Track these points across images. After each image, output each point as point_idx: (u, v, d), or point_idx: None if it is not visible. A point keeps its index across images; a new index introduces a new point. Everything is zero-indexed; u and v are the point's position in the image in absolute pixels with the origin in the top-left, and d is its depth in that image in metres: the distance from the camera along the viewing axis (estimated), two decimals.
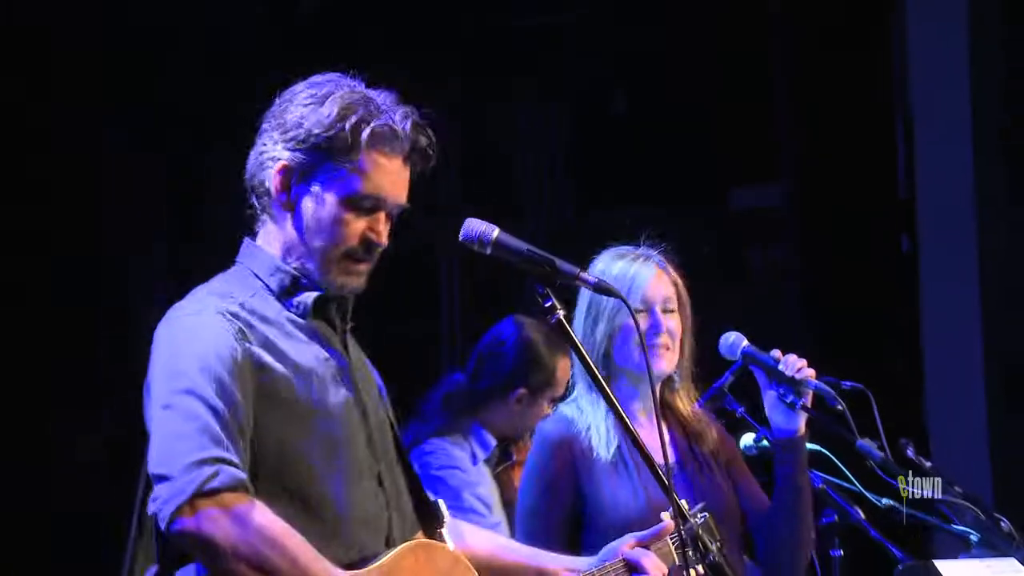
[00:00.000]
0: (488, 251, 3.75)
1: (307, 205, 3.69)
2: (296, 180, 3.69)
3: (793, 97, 9.10)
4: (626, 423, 3.81)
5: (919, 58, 8.55)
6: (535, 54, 9.45)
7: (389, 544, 3.68)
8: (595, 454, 4.70)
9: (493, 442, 6.21)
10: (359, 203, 3.69)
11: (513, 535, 5.77)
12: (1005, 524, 5.27)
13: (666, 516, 4.06)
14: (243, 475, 3.43)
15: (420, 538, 3.80)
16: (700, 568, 3.86)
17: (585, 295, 4.78)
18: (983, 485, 7.86)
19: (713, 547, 3.63)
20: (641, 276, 4.82)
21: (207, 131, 8.26)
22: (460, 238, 3.77)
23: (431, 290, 9.54)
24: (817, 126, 8.94)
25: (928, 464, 5.54)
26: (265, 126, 3.74)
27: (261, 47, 8.69)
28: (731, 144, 9.14)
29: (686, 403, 4.98)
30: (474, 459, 6.17)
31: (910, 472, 5.39)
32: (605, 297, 4.62)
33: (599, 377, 3.85)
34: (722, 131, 9.10)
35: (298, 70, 3.87)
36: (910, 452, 5.53)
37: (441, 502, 3.90)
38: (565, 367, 5.95)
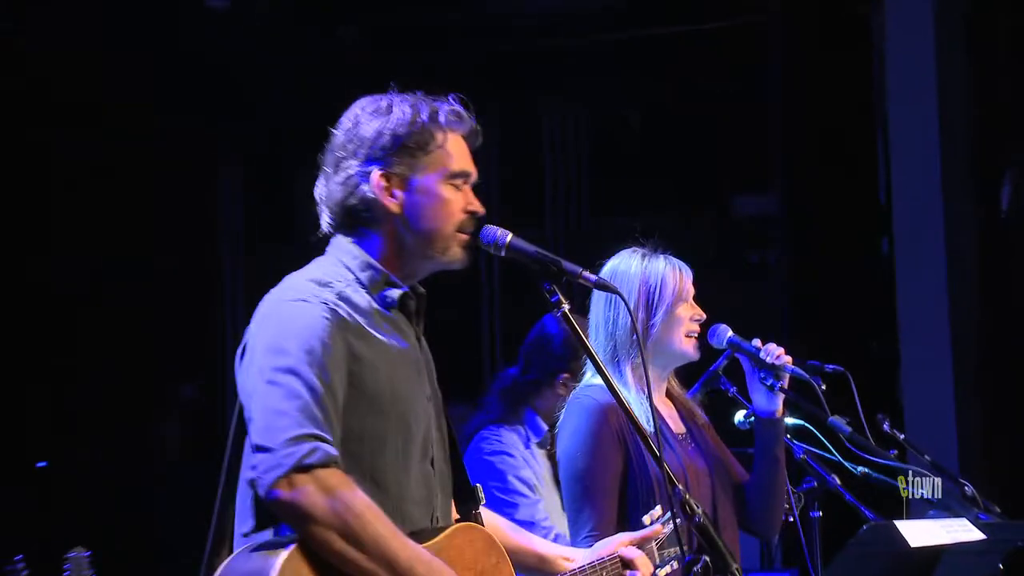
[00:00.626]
0: (503, 253, 3.77)
1: (413, 199, 3.68)
2: (397, 182, 3.67)
3: (787, 119, 9.16)
4: (625, 405, 3.81)
5: (895, 87, 8.53)
6: (557, 75, 9.57)
7: (433, 521, 3.68)
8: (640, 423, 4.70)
9: (545, 427, 6.10)
10: (454, 180, 3.71)
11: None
12: (968, 489, 5.39)
13: (646, 519, 4.13)
14: (336, 453, 3.39)
15: (455, 516, 3.81)
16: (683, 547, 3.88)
17: (628, 289, 4.74)
18: (950, 455, 7.89)
19: (699, 510, 3.53)
20: (679, 274, 4.86)
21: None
22: (477, 243, 3.78)
23: (473, 283, 9.74)
24: (807, 144, 9.01)
25: (901, 436, 5.66)
26: (340, 155, 3.70)
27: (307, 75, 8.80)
28: (732, 158, 9.23)
29: (677, 385, 5.03)
30: (527, 443, 6.10)
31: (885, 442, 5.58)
32: (667, 281, 4.77)
33: (603, 366, 3.83)
34: (724, 147, 9.18)
35: (347, 95, 3.86)
36: (886, 426, 5.64)
37: (479, 486, 3.91)
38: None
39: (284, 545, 3.38)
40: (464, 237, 3.74)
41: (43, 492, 8.70)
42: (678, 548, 4.09)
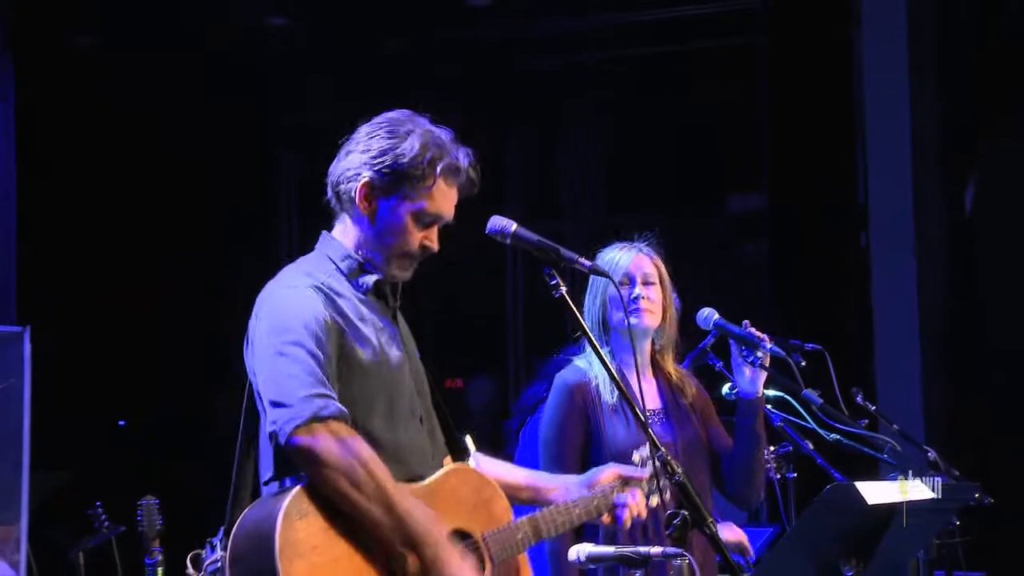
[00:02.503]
0: (508, 241, 3.80)
1: (383, 214, 3.73)
2: (377, 194, 3.72)
3: (774, 126, 9.11)
4: (614, 376, 3.88)
5: (872, 99, 8.51)
6: (573, 88, 9.61)
7: (429, 470, 3.74)
8: (602, 398, 4.74)
9: None
10: (423, 219, 3.75)
11: None
12: (932, 454, 5.38)
13: (636, 457, 4.09)
14: (345, 409, 3.49)
15: (452, 464, 3.85)
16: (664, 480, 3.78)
17: (590, 280, 4.84)
18: (916, 425, 7.85)
19: (679, 469, 3.56)
20: (626, 258, 4.86)
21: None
22: (486, 231, 3.81)
23: (499, 276, 9.75)
24: (792, 148, 8.95)
25: (873, 407, 5.65)
26: (352, 147, 3.77)
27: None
28: (726, 161, 9.26)
29: (670, 362, 5.01)
30: None
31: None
32: (601, 278, 4.74)
33: (594, 340, 3.88)
34: (719, 151, 9.22)
35: (385, 103, 3.91)
36: (859, 398, 5.62)
37: (468, 438, 3.93)
38: None
39: (291, 489, 3.46)
40: (407, 262, 3.78)
41: (122, 447, 8.77)
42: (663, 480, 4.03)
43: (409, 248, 3.77)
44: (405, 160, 3.70)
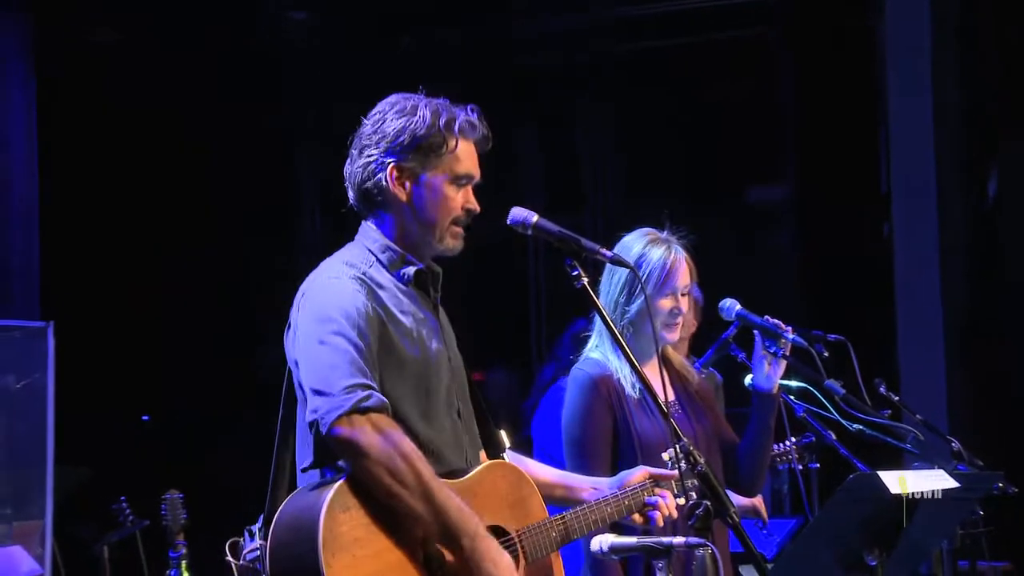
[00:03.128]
0: (529, 232, 3.78)
1: (420, 192, 3.72)
2: (407, 175, 3.72)
3: (798, 119, 9.19)
4: (637, 369, 3.79)
5: (895, 90, 8.52)
6: (593, 79, 9.63)
7: (466, 464, 3.73)
8: (625, 391, 4.60)
9: None
10: (458, 181, 3.75)
11: None
12: (955, 444, 5.36)
13: (666, 456, 4.04)
14: (386, 400, 3.48)
15: (485, 459, 3.84)
16: (692, 480, 3.76)
17: (618, 271, 4.64)
18: (939, 415, 7.84)
19: (701, 460, 3.55)
20: (674, 266, 4.68)
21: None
22: (507, 222, 3.79)
23: (521, 267, 9.75)
24: (817, 140, 8.99)
25: (896, 398, 5.65)
26: (365, 143, 3.76)
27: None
28: (750, 152, 9.23)
29: (677, 355, 4.94)
30: None
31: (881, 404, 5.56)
32: (651, 276, 4.63)
33: (620, 338, 3.83)
34: (743, 142, 9.17)
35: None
36: (882, 389, 5.62)
37: (503, 433, 3.92)
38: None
39: (335, 480, 3.44)
40: (458, 229, 3.78)
41: (145, 442, 8.80)
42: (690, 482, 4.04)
43: (455, 214, 3.77)
44: (423, 132, 3.71)
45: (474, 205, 3.80)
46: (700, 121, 9.35)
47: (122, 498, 7.38)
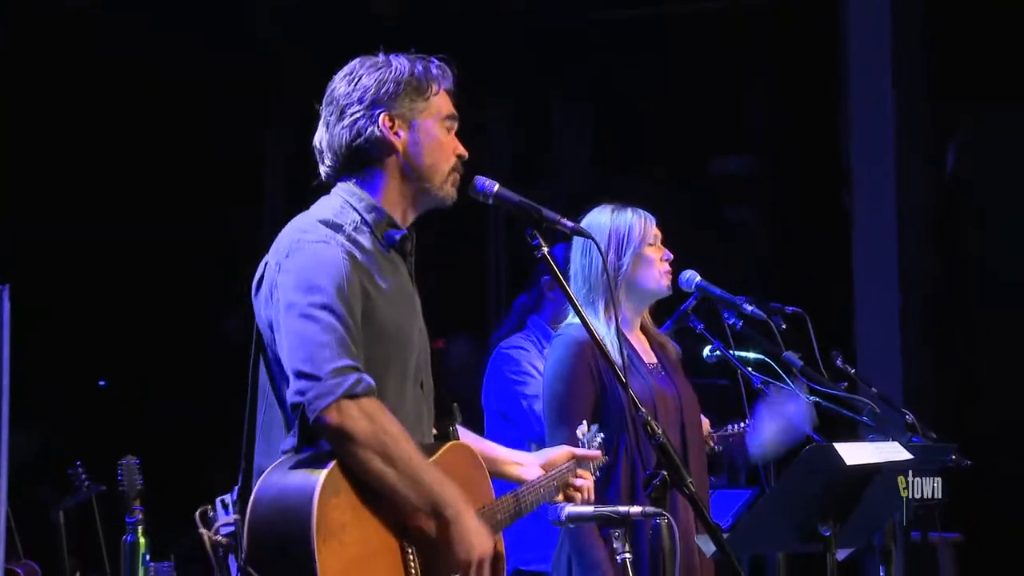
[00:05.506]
0: (490, 201, 3.77)
1: (415, 138, 3.67)
2: (399, 123, 3.66)
3: (765, 92, 9.25)
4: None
5: (856, 63, 8.59)
6: (567, 53, 9.60)
7: (423, 438, 3.69)
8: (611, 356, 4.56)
9: (552, 332, 6.24)
10: (446, 123, 3.73)
11: None
12: (909, 417, 5.44)
13: (579, 432, 4.19)
14: (374, 383, 3.40)
15: (435, 431, 3.81)
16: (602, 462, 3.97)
17: (600, 236, 4.78)
18: (895, 388, 7.93)
19: (659, 431, 3.52)
20: (646, 221, 4.90)
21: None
22: (469, 191, 3.77)
23: (479, 235, 9.79)
24: (780, 113, 9.08)
25: (852, 370, 5.71)
26: (344, 103, 3.67)
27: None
28: (715, 125, 9.26)
29: (650, 322, 5.05)
30: (540, 346, 6.07)
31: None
32: (633, 228, 4.84)
33: (576, 302, 3.82)
34: (708, 116, 9.21)
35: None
36: (839, 361, 5.67)
37: (456, 405, 3.89)
38: None
39: (322, 462, 3.37)
40: (456, 177, 3.76)
41: (101, 407, 8.79)
42: (605, 457, 4.22)
43: (450, 157, 3.74)
44: (405, 77, 3.68)
45: (463, 150, 3.77)
46: (662, 92, 9.36)
47: (78, 463, 7.38)
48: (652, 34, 9.30)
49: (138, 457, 6.39)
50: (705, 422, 5.48)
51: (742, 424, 5.90)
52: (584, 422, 4.24)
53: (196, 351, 8.39)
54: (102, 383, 8.99)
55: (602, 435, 4.26)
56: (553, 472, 4.05)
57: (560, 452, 4.13)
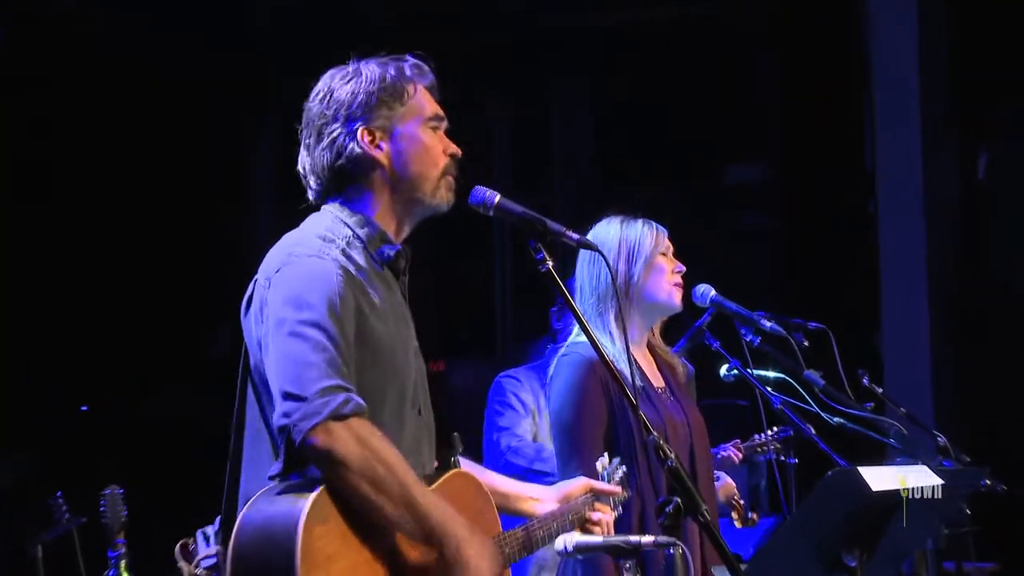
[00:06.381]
0: (491, 213, 3.73)
1: (398, 147, 3.65)
2: (380, 135, 3.63)
3: (783, 94, 9.25)
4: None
5: (880, 63, 8.59)
6: (563, 55, 9.60)
7: (422, 468, 3.64)
8: (625, 379, 4.33)
9: None
10: (430, 124, 3.70)
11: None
12: (941, 439, 5.41)
13: (599, 466, 4.19)
14: (365, 404, 3.36)
15: (436, 462, 3.76)
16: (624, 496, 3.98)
17: (609, 248, 4.79)
18: (925, 408, 7.92)
19: (672, 455, 3.48)
20: (658, 232, 4.88)
21: None
22: (468, 202, 3.73)
23: (486, 243, 9.76)
24: (800, 116, 9.03)
25: (880, 390, 5.68)
26: (320, 123, 3.67)
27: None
28: (729, 130, 9.23)
29: (660, 342, 5.01)
30: (542, 380, 6.01)
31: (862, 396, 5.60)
32: (644, 238, 4.83)
33: (583, 319, 3.79)
34: (721, 119, 9.18)
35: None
36: (865, 380, 5.65)
37: (457, 435, 3.84)
38: None
39: (310, 487, 3.33)
40: (450, 179, 3.73)
41: (83, 434, 8.77)
42: (627, 492, 4.21)
43: (440, 158, 3.71)
44: (376, 85, 3.66)
45: (455, 149, 3.73)
46: (675, 97, 9.32)
47: (58, 493, 7.36)
48: (659, 35, 9.30)
49: (122, 487, 6.38)
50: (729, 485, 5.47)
51: (769, 433, 5.89)
52: (605, 455, 4.22)
53: (183, 374, 8.36)
54: (84, 408, 8.98)
55: (624, 468, 4.25)
56: (568, 505, 4.03)
57: (577, 485, 4.11)
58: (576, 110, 9.78)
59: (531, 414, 6.15)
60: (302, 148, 3.73)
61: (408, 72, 3.71)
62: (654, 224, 4.91)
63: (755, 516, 6.05)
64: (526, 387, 6.19)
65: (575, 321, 4.60)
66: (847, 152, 8.90)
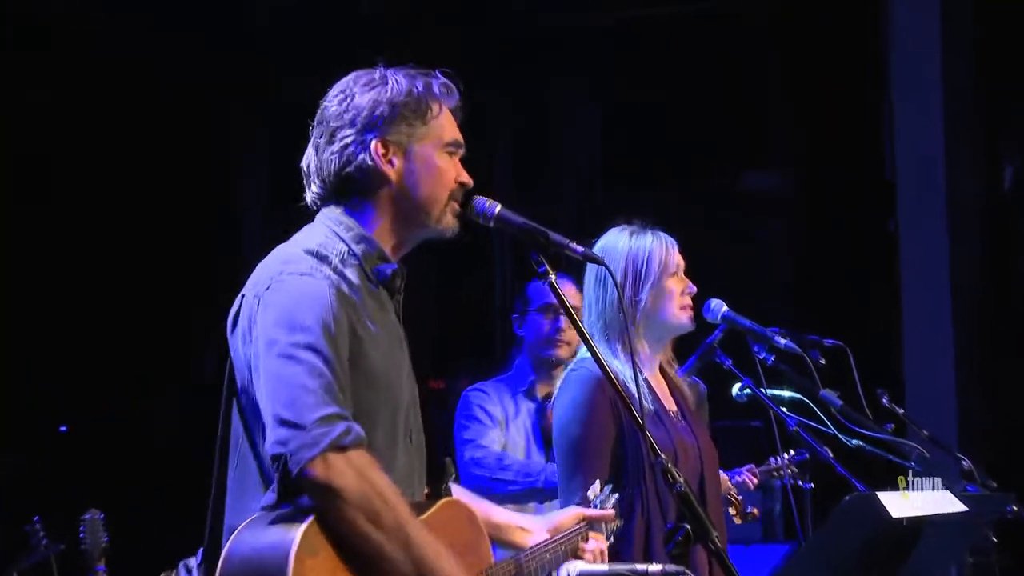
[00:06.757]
0: (491, 224, 3.74)
1: (411, 166, 3.65)
2: (394, 150, 3.63)
3: (795, 96, 9.23)
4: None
5: (900, 65, 8.59)
6: (567, 54, 9.60)
7: (412, 496, 3.63)
8: (633, 400, 4.27)
9: (530, 376, 6.30)
10: (447, 149, 3.70)
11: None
12: (965, 463, 5.44)
13: (590, 494, 4.17)
14: (364, 434, 3.34)
15: (427, 490, 3.76)
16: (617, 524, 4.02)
17: (615, 266, 4.77)
18: (950, 430, 7.93)
19: (680, 479, 3.48)
20: (668, 247, 4.86)
21: None
22: (468, 214, 3.74)
23: (485, 255, 9.77)
24: (814, 120, 9.03)
25: (900, 411, 5.71)
26: (335, 125, 3.66)
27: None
28: (740, 133, 9.23)
29: (670, 365, 5.01)
30: (513, 391, 6.28)
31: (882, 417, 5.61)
32: (653, 259, 4.82)
33: (586, 334, 3.82)
34: (732, 122, 9.17)
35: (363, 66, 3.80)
36: (885, 400, 5.68)
37: (449, 461, 3.85)
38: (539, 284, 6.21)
39: (298, 518, 3.32)
40: (456, 206, 3.71)
41: (62, 456, 8.77)
42: (619, 520, 4.22)
43: (451, 186, 3.70)
44: (402, 99, 3.65)
45: (467, 178, 3.73)
46: (683, 101, 9.32)
47: (35, 518, 7.37)
48: (666, 34, 9.31)
49: (103, 512, 6.39)
50: (724, 477, 5.50)
51: (786, 456, 5.91)
52: (597, 482, 4.24)
53: (169, 392, 8.37)
54: (63, 429, 8.99)
55: (617, 495, 4.26)
56: (560, 535, 4.04)
57: (569, 515, 4.13)
58: (578, 111, 9.79)
59: (499, 425, 6.21)
60: (310, 145, 3.73)
61: (436, 90, 3.70)
62: (664, 238, 4.90)
63: (755, 511, 6.05)
64: (494, 399, 6.26)
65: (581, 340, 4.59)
66: (865, 158, 8.90)
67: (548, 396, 6.21)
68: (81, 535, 6.37)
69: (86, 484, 7.81)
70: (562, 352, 6.21)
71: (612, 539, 4.22)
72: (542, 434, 6.22)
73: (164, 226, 8.86)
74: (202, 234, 9.03)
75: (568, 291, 5.90)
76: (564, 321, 6.18)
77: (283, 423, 3.32)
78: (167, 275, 8.81)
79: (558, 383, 4.90)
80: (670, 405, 4.92)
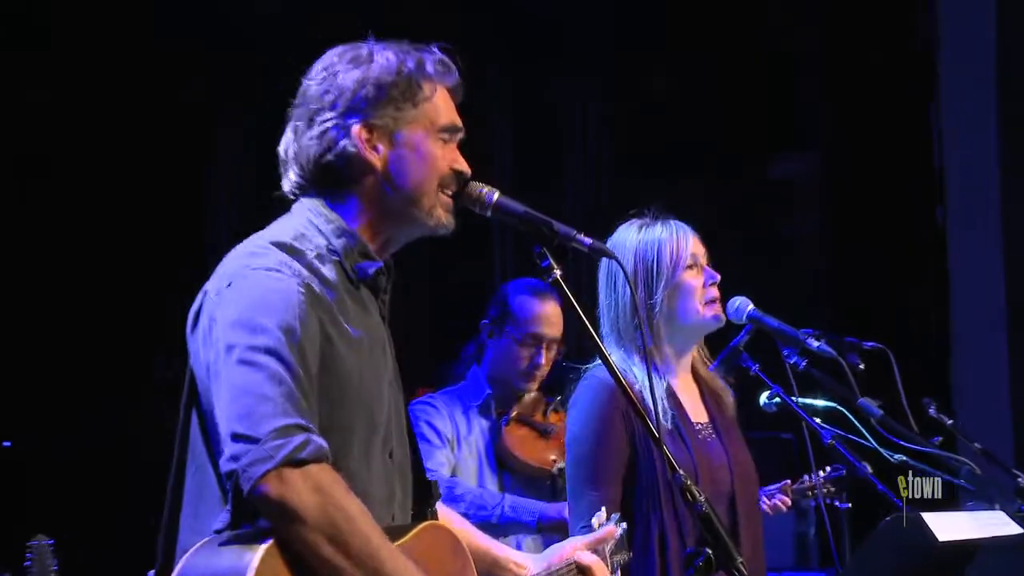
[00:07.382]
0: (488, 213, 3.72)
1: (398, 152, 3.61)
2: (379, 135, 3.60)
3: (829, 72, 9.22)
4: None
5: (951, 41, 8.60)
6: (582, 35, 9.58)
7: (391, 519, 3.62)
8: (649, 414, 4.32)
9: (487, 390, 6.29)
10: (441, 135, 3.65)
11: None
12: (1022, 480, 5.34)
13: (595, 522, 4.18)
14: (327, 447, 3.29)
15: (411, 512, 3.74)
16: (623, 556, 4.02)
17: (629, 257, 4.76)
18: (1004, 443, 7.90)
19: (701, 498, 3.47)
20: (680, 237, 4.82)
21: None
22: (463, 202, 3.71)
23: (484, 244, 9.74)
24: (851, 100, 9.01)
25: (949, 422, 5.68)
26: (315, 107, 3.62)
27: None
28: (767, 115, 9.22)
29: (703, 365, 5.02)
30: (465, 405, 6.27)
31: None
32: (663, 253, 4.78)
33: (597, 338, 3.74)
34: (759, 103, 9.17)
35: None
36: (932, 410, 5.66)
37: (435, 482, 3.84)
38: (527, 303, 6.20)
39: (259, 540, 3.27)
40: (448, 199, 3.66)
41: (5, 474, 8.76)
42: (627, 553, 4.21)
43: (442, 175, 3.65)
44: (389, 78, 3.60)
45: (463, 166, 3.69)
46: (704, 80, 9.31)
47: None
48: (698, 12, 9.25)
49: (51, 537, 6.36)
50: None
51: (821, 474, 5.88)
52: (603, 510, 4.21)
53: (124, 403, 8.35)
54: (6, 444, 8.96)
55: (623, 526, 4.22)
56: (558, 567, 4.04)
57: (567, 548, 4.10)
58: (592, 97, 9.78)
59: (448, 444, 6.20)
60: (288, 128, 3.68)
61: (429, 68, 3.65)
62: (675, 227, 4.87)
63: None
64: (443, 414, 6.25)
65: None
66: (911, 145, 8.88)
67: (503, 414, 6.26)
68: (27, 563, 6.35)
69: (33, 507, 7.80)
70: (533, 386, 6.25)
71: (619, 573, 4.20)
72: (496, 457, 6.19)
73: (164, 226, 8.87)
74: (165, 246, 9.02)
75: (551, 312, 5.91)
76: (545, 355, 6.18)
77: (236, 437, 3.27)
78: (167, 275, 8.80)
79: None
80: (699, 416, 4.88)
